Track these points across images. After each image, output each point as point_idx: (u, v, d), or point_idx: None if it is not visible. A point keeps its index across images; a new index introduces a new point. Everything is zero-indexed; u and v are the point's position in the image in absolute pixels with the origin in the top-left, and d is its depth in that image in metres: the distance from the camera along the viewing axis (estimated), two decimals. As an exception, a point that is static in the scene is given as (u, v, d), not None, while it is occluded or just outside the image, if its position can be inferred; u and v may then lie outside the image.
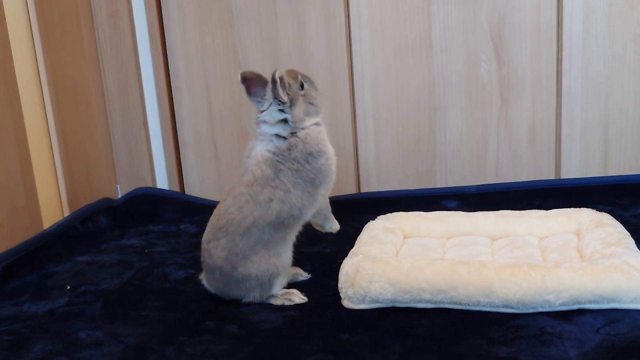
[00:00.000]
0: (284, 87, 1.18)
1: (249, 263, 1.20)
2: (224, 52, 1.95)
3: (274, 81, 1.18)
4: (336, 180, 1.29)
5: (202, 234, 1.27)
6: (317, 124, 1.25)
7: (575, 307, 1.11)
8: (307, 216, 1.25)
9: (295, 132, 1.22)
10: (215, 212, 1.27)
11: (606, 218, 1.37)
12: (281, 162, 1.20)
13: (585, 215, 1.40)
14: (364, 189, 1.96)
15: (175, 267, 1.47)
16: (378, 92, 1.89)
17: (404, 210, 1.57)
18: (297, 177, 1.21)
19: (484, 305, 1.13)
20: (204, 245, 1.26)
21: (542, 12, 1.75)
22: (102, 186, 1.99)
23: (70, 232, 1.68)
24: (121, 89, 1.98)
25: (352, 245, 1.35)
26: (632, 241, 1.25)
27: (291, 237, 1.25)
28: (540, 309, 1.11)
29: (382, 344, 1.04)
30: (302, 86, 1.23)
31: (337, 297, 1.21)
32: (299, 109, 1.22)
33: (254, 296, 1.23)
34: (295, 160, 1.21)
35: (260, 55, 1.93)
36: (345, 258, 1.26)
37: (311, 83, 1.26)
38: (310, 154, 1.21)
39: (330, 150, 1.26)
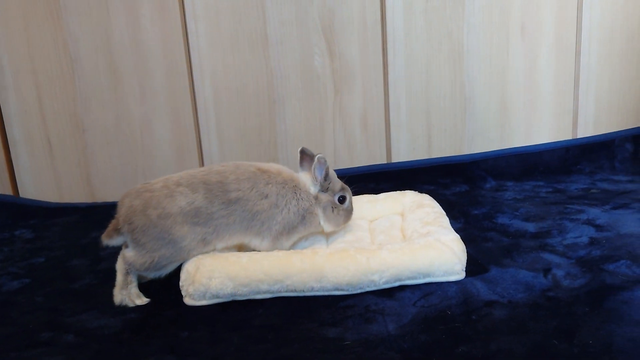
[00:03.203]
0: (320, 171, 1.34)
1: (182, 234, 1.22)
2: (53, 45, 1.86)
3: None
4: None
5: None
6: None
7: (397, 284, 1.22)
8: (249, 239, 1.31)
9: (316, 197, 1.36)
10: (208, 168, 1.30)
11: (426, 199, 1.51)
12: (297, 197, 1.33)
13: (408, 198, 1.54)
14: (209, 181, 1.98)
15: (7, 278, 1.39)
16: (218, 84, 1.91)
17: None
18: (286, 215, 1.32)
19: (317, 290, 1.21)
20: (170, 185, 1.24)
21: (367, 6, 1.87)
22: None
23: None
24: None
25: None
26: (446, 219, 1.39)
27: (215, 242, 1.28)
28: (367, 289, 1.21)
29: (221, 337, 1.08)
30: (343, 199, 1.37)
31: (179, 296, 1.23)
32: (325, 201, 1.35)
33: (149, 257, 1.23)
34: (296, 205, 1.33)
35: (93, 47, 1.86)
36: (186, 256, 1.28)
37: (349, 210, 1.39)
38: (303, 217, 1.33)
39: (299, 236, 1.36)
